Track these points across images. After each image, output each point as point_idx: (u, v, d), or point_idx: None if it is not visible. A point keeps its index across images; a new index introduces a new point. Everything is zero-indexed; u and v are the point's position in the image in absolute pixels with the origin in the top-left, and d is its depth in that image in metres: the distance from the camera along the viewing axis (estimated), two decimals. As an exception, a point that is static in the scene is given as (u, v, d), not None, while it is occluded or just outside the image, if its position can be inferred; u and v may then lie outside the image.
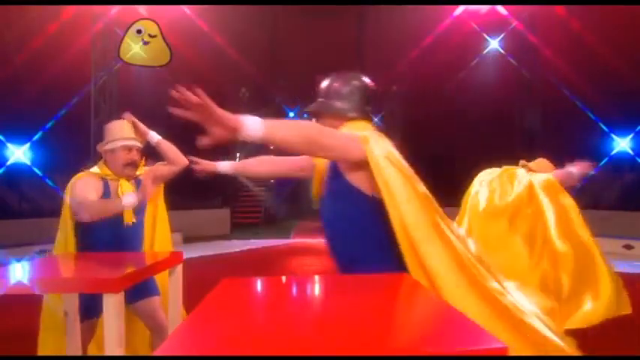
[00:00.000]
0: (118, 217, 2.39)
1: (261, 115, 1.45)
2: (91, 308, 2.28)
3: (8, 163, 9.58)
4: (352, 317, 1.81)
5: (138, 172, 2.55)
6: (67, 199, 2.42)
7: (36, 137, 9.56)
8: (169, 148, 2.61)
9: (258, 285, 2.46)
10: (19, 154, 9.68)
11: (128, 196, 2.34)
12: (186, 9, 9.97)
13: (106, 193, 2.44)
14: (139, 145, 2.52)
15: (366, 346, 1.40)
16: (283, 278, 2.66)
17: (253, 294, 2.34)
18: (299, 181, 14.67)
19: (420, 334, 1.52)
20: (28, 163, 9.69)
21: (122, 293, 1.64)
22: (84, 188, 2.37)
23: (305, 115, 2.58)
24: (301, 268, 7.17)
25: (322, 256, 8.46)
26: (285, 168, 2.26)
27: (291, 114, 15.66)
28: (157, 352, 1.39)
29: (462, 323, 1.60)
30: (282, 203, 15.65)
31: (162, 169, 2.65)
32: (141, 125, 2.54)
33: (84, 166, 2.57)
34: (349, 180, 1.75)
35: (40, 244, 8.04)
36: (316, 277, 2.65)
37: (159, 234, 2.81)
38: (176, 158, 2.61)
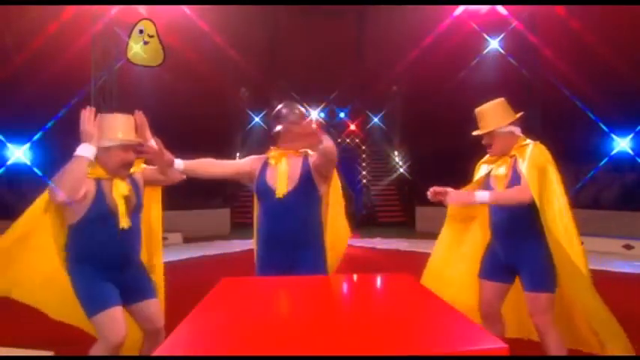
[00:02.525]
0: (113, 221, 2.28)
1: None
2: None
3: (8, 163, 9.58)
4: (352, 317, 1.81)
5: (132, 170, 2.43)
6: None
7: (36, 137, 9.56)
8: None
9: (258, 285, 2.46)
10: (19, 154, 9.68)
11: (83, 147, 2.20)
12: (186, 9, 9.95)
13: (99, 194, 2.29)
14: (135, 143, 2.38)
15: (367, 345, 1.39)
16: (283, 278, 2.66)
17: (253, 294, 2.34)
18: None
19: (420, 334, 1.52)
20: (28, 163, 9.69)
21: None
22: None
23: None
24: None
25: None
26: (229, 170, 2.66)
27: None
28: (157, 352, 1.39)
29: (462, 323, 1.60)
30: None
31: (154, 175, 2.53)
32: (147, 130, 2.37)
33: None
34: None
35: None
36: (316, 277, 2.65)
37: (153, 239, 2.70)
38: (172, 174, 2.48)
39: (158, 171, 2.48)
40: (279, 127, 2.49)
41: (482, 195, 2.36)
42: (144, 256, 2.60)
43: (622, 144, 10.34)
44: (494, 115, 2.53)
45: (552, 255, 2.28)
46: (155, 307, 2.46)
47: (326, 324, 1.70)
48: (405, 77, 13.81)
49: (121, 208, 2.29)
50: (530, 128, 10.21)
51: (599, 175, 10.24)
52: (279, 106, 2.58)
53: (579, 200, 10.22)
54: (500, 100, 2.58)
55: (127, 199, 2.32)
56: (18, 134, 9.56)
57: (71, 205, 2.23)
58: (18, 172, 9.67)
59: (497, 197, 2.40)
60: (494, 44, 10.93)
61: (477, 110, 2.61)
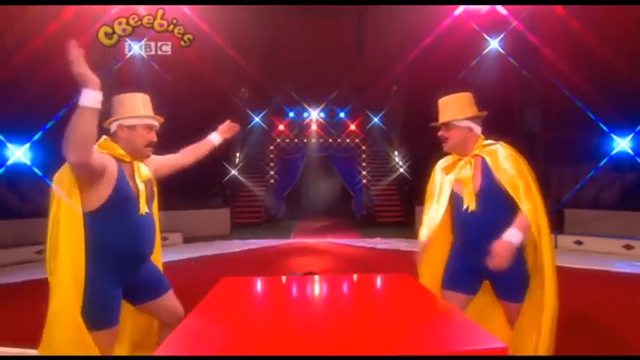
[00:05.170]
0: (134, 207, 2.13)
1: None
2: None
3: (8, 163, 9.59)
4: (352, 317, 1.81)
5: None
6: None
7: (36, 137, 9.57)
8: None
9: (258, 285, 2.47)
10: (19, 154, 9.69)
11: (86, 94, 1.87)
12: (186, 9, 9.96)
13: (121, 175, 2.09)
14: (157, 125, 2.26)
15: (367, 345, 1.40)
16: (283, 278, 2.67)
17: (253, 293, 2.34)
18: (299, 181, 14.62)
19: (420, 334, 1.52)
20: (28, 163, 9.69)
21: None
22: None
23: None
24: (301, 268, 7.17)
25: (322, 256, 8.46)
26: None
27: (291, 114, 15.68)
28: (157, 352, 1.39)
29: (462, 323, 1.60)
30: (282, 203, 15.67)
31: (165, 161, 2.49)
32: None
33: None
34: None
35: (39, 244, 8.06)
36: (316, 277, 2.66)
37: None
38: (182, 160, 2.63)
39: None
40: None
41: (517, 235, 2.14)
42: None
43: (622, 144, 10.34)
44: (454, 107, 2.43)
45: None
46: (174, 297, 2.39)
47: (326, 324, 1.70)
48: (405, 77, 13.80)
49: (143, 193, 2.15)
50: (530, 128, 10.23)
51: (599, 175, 10.24)
52: None
53: (579, 200, 10.23)
54: (466, 93, 2.47)
55: (146, 183, 2.19)
56: (18, 134, 9.57)
57: (91, 174, 1.99)
58: (18, 172, 9.67)
59: (525, 231, 2.17)
60: (494, 44, 10.94)
61: (440, 101, 2.51)
